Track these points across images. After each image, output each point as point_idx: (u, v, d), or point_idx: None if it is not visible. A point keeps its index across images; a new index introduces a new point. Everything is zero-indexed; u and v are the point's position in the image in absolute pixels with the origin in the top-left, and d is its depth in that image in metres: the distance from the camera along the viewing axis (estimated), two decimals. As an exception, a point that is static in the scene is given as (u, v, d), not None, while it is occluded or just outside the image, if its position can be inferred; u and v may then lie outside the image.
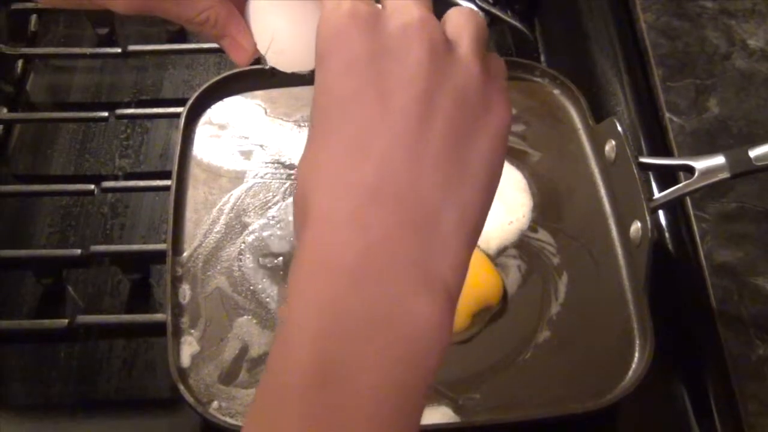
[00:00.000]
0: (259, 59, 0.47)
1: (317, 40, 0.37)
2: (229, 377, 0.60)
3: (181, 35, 0.86)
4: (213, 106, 0.75)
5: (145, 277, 0.70)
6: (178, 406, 0.59)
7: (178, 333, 0.62)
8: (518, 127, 0.75)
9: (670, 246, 0.69)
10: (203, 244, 0.67)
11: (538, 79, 0.78)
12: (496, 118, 0.37)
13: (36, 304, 0.69)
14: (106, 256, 0.69)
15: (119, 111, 0.77)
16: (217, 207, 0.69)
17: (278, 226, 0.68)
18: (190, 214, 0.68)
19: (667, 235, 0.70)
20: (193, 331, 0.62)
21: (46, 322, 0.66)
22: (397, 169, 0.35)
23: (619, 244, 0.67)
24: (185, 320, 0.63)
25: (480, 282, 0.65)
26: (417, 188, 0.35)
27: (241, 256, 0.66)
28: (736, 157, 0.63)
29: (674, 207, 0.70)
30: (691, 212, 0.70)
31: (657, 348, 0.60)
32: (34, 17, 0.87)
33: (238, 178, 0.71)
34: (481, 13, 0.39)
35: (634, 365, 0.61)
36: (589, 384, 0.61)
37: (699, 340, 0.65)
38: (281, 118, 0.75)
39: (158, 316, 0.64)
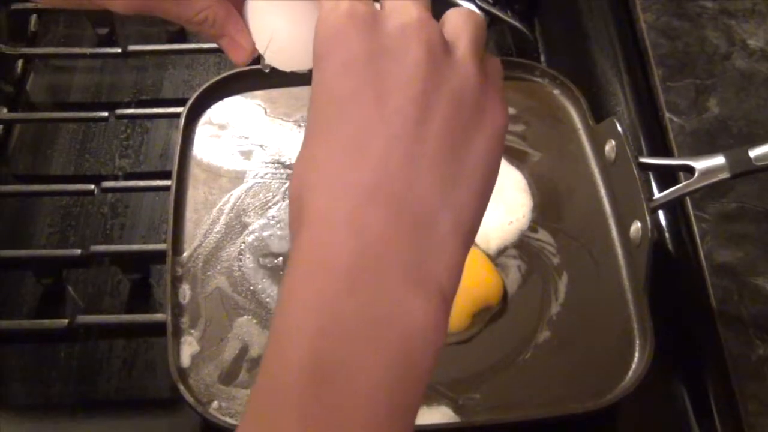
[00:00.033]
0: (258, 59, 0.47)
1: (315, 39, 0.37)
2: (229, 377, 0.60)
3: (181, 35, 0.86)
4: (213, 106, 0.75)
5: (145, 277, 0.70)
6: (178, 406, 0.59)
7: (178, 333, 0.62)
8: (518, 127, 0.75)
9: (670, 246, 0.69)
10: (203, 244, 0.67)
11: (538, 79, 0.78)
12: (493, 121, 0.37)
13: (36, 304, 0.69)
14: (106, 256, 0.69)
15: (119, 111, 0.77)
16: (217, 207, 0.69)
17: (278, 226, 0.68)
18: (190, 214, 0.68)
19: (667, 235, 0.70)
20: (193, 331, 0.62)
21: (46, 322, 0.66)
22: (394, 169, 0.35)
23: (619, 244, 0.67)
24: (185, 320, 0.63)
25: (480, 282, 0.65)
26: (413, 189, 0.35)
27: (241, 256, 0.67)
28: (736, 157, 0.63)
29: (674, 207, 0.70)
30: (691, 212, 0.70)
31: (657, 348, 0.60)
32: (34, 17, 0.87)
33: (238, 178, 0.71)
34: (480, 14, 0.39)
35: (634, 365, 0.61)
36: (589, 384, 0.61)
37: (699, 340, 0.65)
38: (281, 118, 0.75)
39: (158, 316, 0.64)
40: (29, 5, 0.86)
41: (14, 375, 0.66)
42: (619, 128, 0.68)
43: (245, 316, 0.63)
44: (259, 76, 0.75)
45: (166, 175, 0.70)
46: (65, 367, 0.65)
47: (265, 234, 0.68)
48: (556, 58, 0.85)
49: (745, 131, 0.75)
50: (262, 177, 0.71)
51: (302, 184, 0.36)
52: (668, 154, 0.74)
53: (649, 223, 0.62)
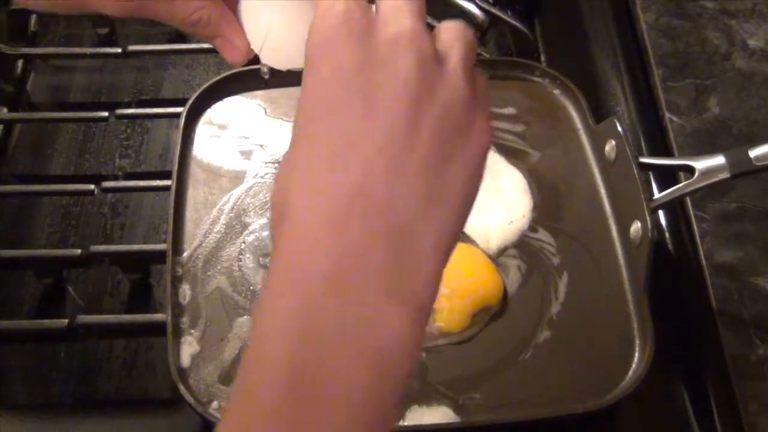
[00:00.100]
0: (257, 59, 0.47)
1: (307, 44, 0.37)
2: (229, 377, 0.60)
3: (181, 35, 0.86)
4: (213, 106, 0.75)
5: (145, 277, 0.70)
6: (178, 406, 0.59)
7: (178, 333, 0.62)
8: (518, 127, 0.75)
9: (670, 246, 0.69)
10: (203, 244, 0.67)
11: (538, 79, 0.78)
12: (478, 136, 0.38)
13: (36, 304, 0.69)
14: (106, 256, 0.69)
15: (119, 111, 0.78)
16: (217, 207, 0.69)
17: (278, 226, 0.68)
18: (190, 214, 0.68)
19: (667, 235, 0.70)
20: (193, 331, 0.62)
21: (46, 322, 0.66)
22: (378, 180, 0.35)
23: (619, 244, 0.67)
24: (185, 320, 0.63)
25: (480, 282, 0.65)
26: (396, 200, 0.35)
27: (241, 256, 0.66)
28: (736, 157, 0.62)
29: (674, 207, 0.70)
30: (691, 212, 0.70)
31: (657, 348, 0.60)
32: (34, 17, 0.87)
33: (238, 178, 0.71)
34: (471, 30, 0.39)
35: (634, 365, 0.61)
36: (589, 384, 0.61)
37: (699, 340, 0.65)
38: (281, 118, 0.75)
39: (158, 316, 0.64)
40: (29, 5, 0.86)
41: (14, 375, 0.66)
42: (619, 128, 0.68)
43: (245, 316, 0.63)
44: (259, 76, 0.75)
45: (166, 175, 0.70)
46: (65, 367, 0.65)
47: (265, 234, 0.68)
48: (556, 58, 0.85)
49: (745, 131, 0.75)
50: (262, 177, 0.71)
51: (286, 187, 0.36)
52: (668, 154, 0.74)
53: (649, 223, 0.62)
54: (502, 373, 0.62)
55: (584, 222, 0.70)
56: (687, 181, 0.64)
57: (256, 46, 0.46)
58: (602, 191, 0.71)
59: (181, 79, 0.84)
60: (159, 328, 0.61)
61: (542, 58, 0.86)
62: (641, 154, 0.72)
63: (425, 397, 0.60)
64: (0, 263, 0.69)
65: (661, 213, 0.70)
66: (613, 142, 0.69)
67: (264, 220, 0.69)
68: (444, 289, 0.62)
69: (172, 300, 0.63)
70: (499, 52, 0.86)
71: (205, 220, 0.68)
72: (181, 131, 0.72)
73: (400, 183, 0.35)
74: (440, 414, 0.59)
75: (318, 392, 0.32)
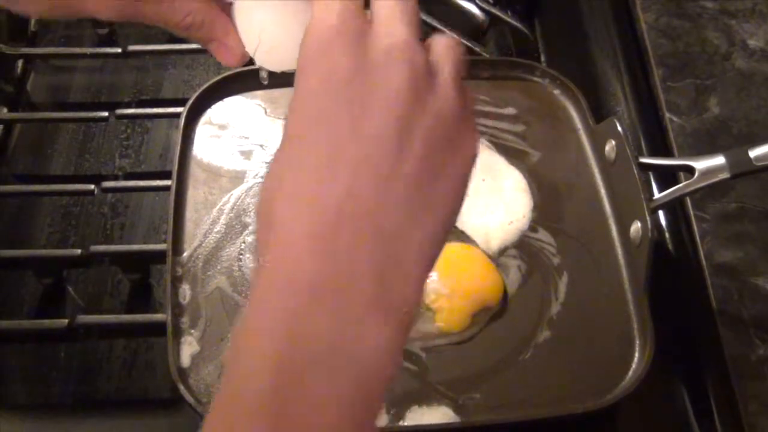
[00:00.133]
0: (252, 61, 0.47)
1: (300, 50, 0.37)
2: (229, 377, 0.60)
3: (182, 35, 0.86)
4: (213, 106, 0.75)
5: (145, 277, 0.70)
6: (178, 406, 0.59)
7: (178, 333, 0.62)
8: (518, 127, 0.75)
9: (670, 246, 0.69)
10: (203, 244, 0.67)
11: (538, 79, 0.78)
12: (466, 150, 0.38)
13: (36, 304, 0.69)
14: (106, 256, 0.69)
15: (119, 111, 0.77)
16: (218, 207, 0.69)
17: (278, 226, 0.68)
18: (190, 214, 0.68)
19: (667, 235, 0.70)
20: (193, 331, 0.62)
21: (46, 322, 0.66)
22: (365, 193, 0.35)
23: (619, 244, 0.67)
24: (185, 320, 0.63)
25: (480, 282, 0.65)
26: (382, 213, 0.35)
27: (241, 256, 0.66)
28: (736, 157, 0.62)
29: (674, 207, 0.70)
30: (691, 212, 0.70)
31: (657, 348, 0.60)
32: (34, 17, 0.87)
33: (238, 178, 0.71)
34: (463, 45, 0.39)
35: (634, 365, 0.61)
36: (589, 384, 0.61)
37: (699, 340, 0.65)
38: (281, 118, 0.75)
39: (158, 316, 0.64)
40: (29, 5, 0.86)
41: (14, 375, 0.66)
42: (619, 128, 0.68)
43: (245, 316, 0.63)
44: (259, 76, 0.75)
45: (166, 175, 0.70)
46: (65, 367, 0.65)
47: (265, 234, 0.68)
48: (556, 58, 0.85)
49: (745, 131, 0.75)
50: (262, 177, 0.71)
51: (272, 199, 0.36)
52: (668, 154, 0.74)
53: (649, 223, 0.62)
54: (502, 373, 0.62)
55: (584, 222, 0.70)
56: (687, 181, 0.64)
57: (250, 48, 0.45)
58: (602, 191, 0.71)
59: (181, 79, 0.84)
60: (159, 328, 0.61)
61: (542, 58, 0.86)
62: (641, 154, 0.72)
63: (425, 397, 0.60)
64: (0, 263, 0.69)
65: (661, 213, 0.70)
66: (613, 142, 0.69)
67: (264, 220, 0.68)
68: (444, 289, 0.63)
69: (172, 300, 0.63)
70: (499, 52, 0.86)
71: (205, 220, 0.68)
72: (181, 131, 0.72)
73: (387, 195, 0.35)
74: (440, 414, 0.59)
75: (305, 393, 0.33)
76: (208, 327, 0.63)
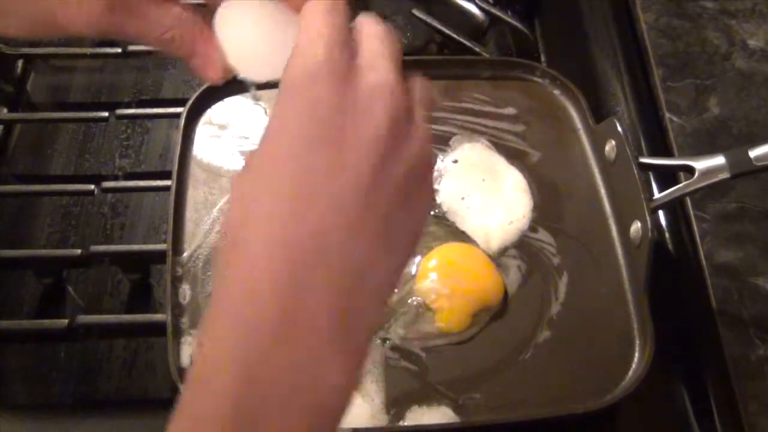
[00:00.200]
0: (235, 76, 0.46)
1: (287, 71, 0.37)
2: (229, 377, 0.60)
3: (181, 35, 0.86)
4: (213, 106, 0.75)
5: (145, 277, 0.70)
6: (178, 406, 0.59)
7: (178, 333, 0.62)
8: (518, 127, 0.75)
9: (670, 246, 0.69)
10: (203, 244, 0.67)
11: (538, 79, 0.78)
12: (428, 192, 0.40)
13: (36, 304, 0.69)
14: (106, 256, 0.69)
15: (119, 111, 0.77)
16: (218, 207, 0.69)
17: (278, 226, 0.68)
18: (190, 214, 0.68)
19: (667, 235, 0.70)
20: (193, 331, 0.62)
21: (46, 322, 0.66)
22: (332, 237, 0.35)
23: (619, 244, 0.67)
24: (185, 320, 0.63)
25: (480, 282, 0.65)
26: (346, 257, 0.35)
27: (241, 256, 0.66)
28: (736, 157, 0.62)
29: (674, 207, 0.70)
30: (691, 212, 0.70)
31: (657, 348, 0.60)
32: (34, 17, 0.87)
33: (238, 178, 0.71)
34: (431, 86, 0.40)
35: (634, 365, 0.61)
36: (589, 384, 0.61)
37: (699, 340, 0.65)
38: (281, 118, 0.75)
39: (158, 316, 0.64)
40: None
41: (14, 375, 0.66)
42: (619, 128, 0.68)
43: (245, 316, 0.63)
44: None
45: (166, 175, 0.70)
46: (65, 367, 0.65)
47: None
48: (556, 58, 0.85)
49: (745, 131, 0.75)
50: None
51: (244, 219, 0.35)
52: (668, 154, 0.74)
53: (649, 223, 0.62)
54: (502, 373, 0.62)
55: (584, 222, 0.70)
56: (687, 181, 0.64)
57: (233, 59, 0.44)
58: (602, 191, 0.71)
59: (181, 79, 0.84)
60: (159, 328, 0.61)
61: (542, 58, 0.86)
62: (641, 154, 0.72)
63: (425, 397, 0.60)
64: (0, 263, 0.69)
65: (661, 213, 0.70)
66: (613, 142, 0.69)
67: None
68: (444, 289, 0.63)
69: (172, 300, 0.62)
70: (499, 52, 0.86)
71: (205, 220, 0.68)
72: (181, 131, 0.72)
73: (353, 239, 0.35)
74: (440, 414, 0.59)
75: (260, 427, 0.33)
76: (208, 327, 0.62)
